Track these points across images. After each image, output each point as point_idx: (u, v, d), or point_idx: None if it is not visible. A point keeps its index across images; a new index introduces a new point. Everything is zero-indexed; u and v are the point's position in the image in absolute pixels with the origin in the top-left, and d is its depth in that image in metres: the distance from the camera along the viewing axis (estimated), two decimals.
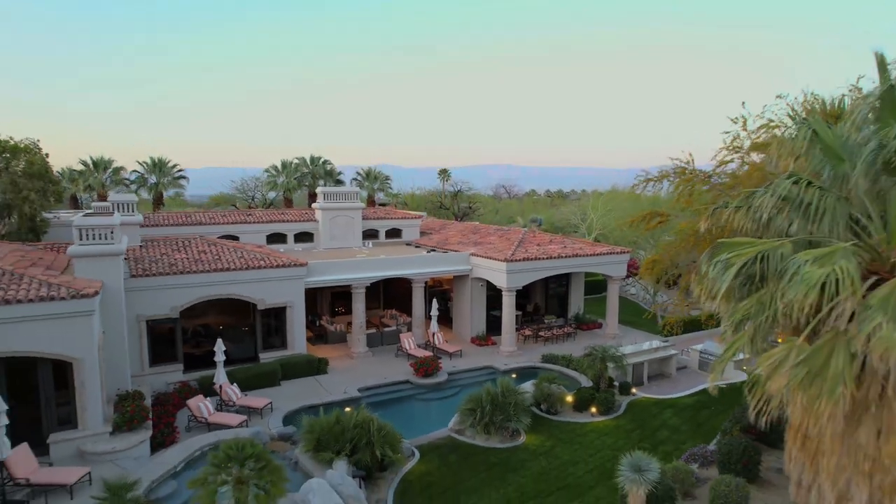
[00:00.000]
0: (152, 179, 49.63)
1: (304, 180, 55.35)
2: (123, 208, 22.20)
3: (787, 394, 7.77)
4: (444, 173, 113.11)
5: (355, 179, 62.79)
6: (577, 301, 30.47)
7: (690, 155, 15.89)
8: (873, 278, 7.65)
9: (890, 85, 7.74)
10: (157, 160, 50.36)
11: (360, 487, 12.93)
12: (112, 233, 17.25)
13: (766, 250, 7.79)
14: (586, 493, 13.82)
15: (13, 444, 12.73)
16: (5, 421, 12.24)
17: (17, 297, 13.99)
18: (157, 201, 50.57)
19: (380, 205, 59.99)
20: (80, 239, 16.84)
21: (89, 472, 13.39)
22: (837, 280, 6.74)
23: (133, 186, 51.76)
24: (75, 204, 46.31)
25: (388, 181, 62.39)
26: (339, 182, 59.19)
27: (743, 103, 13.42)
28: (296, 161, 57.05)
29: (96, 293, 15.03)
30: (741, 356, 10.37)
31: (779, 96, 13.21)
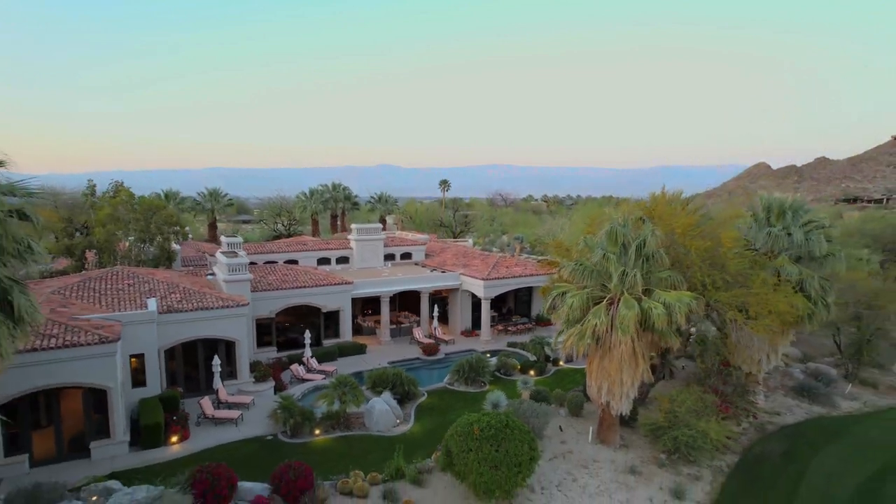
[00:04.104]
0: (208, 206, 61.48)
1: (328, 204, 67.27)
2: (233, 246, 34.04)
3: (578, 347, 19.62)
4: (444, 184, 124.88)
5: (369, 202, 74.85)
6: (538, 305, 42.28)
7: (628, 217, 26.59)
8: (605, 302, 19.51)
9: (608, 227, 19.54)
10: (212, 191, 62.25)
11: (397, 405, 24.77)
12: (245, 266, 29.19)
13: (565, 290, 19.66)
14: None
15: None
16: (219, 370, 24.18)
17: (208, 305, 25.86)
18: (212, 225, 62.26)
19: (387, 214, 72.01)
20: (229, 272, 28.76)
21: (253, 399, 25.30)
22: (577, 304, 18.58)
23: (192, 213, 63.85)
24: None
25: (397, 203, 74.42)
26: (356, 205, 71.24)
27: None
28: (321, 188, 68.83)
29: (248, 303, 26.94)
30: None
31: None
